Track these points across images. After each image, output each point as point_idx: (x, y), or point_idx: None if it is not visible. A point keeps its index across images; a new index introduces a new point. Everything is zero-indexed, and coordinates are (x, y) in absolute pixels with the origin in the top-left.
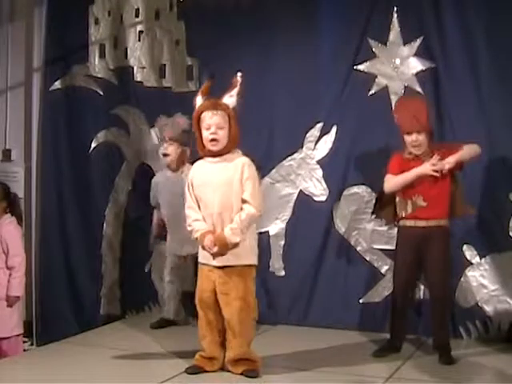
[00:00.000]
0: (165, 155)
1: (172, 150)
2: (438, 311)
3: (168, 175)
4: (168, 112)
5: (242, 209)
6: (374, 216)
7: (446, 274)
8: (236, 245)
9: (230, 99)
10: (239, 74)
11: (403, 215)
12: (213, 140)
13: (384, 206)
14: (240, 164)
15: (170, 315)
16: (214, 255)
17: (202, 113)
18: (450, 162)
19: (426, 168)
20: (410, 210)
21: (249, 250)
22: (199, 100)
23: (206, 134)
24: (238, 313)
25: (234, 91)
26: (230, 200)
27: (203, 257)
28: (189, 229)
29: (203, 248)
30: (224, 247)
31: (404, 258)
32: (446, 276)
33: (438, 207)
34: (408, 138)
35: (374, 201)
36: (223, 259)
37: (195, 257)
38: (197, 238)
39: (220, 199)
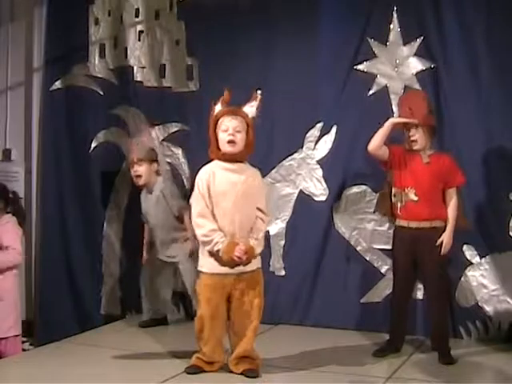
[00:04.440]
0: (137, 177)
1: (143, 170)
2: (434, 312)
3: (147, 195)
4: (168, 112)
5: (257, 217)
6: (375, 212)
7: (441, 275)
8: (258, 255)
9: (250, 109)
10: (259, 91)
11: (398, 206)
12: (230, 141)
13: (384, 200)
14: (256, 174)
15: (166, 313)
16: (240, 265)
17: (219, 118)
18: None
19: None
20: (403, 201)
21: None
22: (218, 108)
23: (223, 136)
24: (256, 309)
25: (255, 103)
26: (250, 209)
27: (214, 267)
28: (204, 239)
29: (229, 259)
30: (252, 257)
31: (400, 259)
32: (442, 277)
33: (429, 206)
34: (406, 133)
35: (374, 200)
36: (243, 266)
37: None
38: (217, 250)
39: (244, 209)
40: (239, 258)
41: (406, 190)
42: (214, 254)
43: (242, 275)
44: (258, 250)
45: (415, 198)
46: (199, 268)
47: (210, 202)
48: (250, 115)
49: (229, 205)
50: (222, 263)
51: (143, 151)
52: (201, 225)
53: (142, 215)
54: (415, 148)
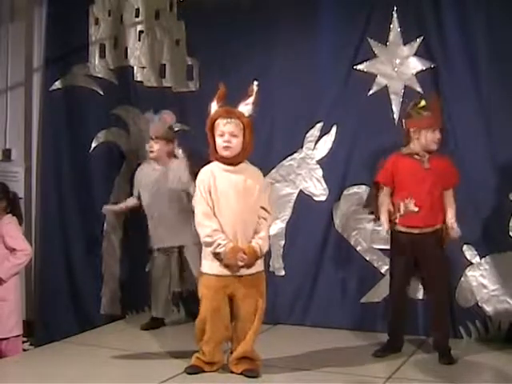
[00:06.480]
0: (150, 152)
1: (157, 147)
2: (435, 313)
3: (155, 167)
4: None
5: (261, 217)
6: (365, 208)
7: (442, 275)
8: (265, 253)
9: (246, 107)
10: (256, 82)
11: (396, 218)
12: (226, 147)
13: (372, 200)
14: (257, 174)
15: (159, 314)
16: (243, 268)
17: (216, 120)
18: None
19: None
20: (402, 212)
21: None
22: (214, 106)
23: (220, 141)
24: (258, 312)
25: (250, 100)
26: (252, 209)
27: (216, 268)
28: (207, 240)
29: (230, 264)
30: (255, 260)
31: (399, 262)
32: (443, 277)
33: (431, 214)
34: (432, 135)
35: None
36: (247, 268)
37: (178, 251)
38: (219, 253)
39: (244, 208)
40: (240, 261)
41: (406, 201)
42: (215, 255)
43: (244, 277)
44: (264, 249)
45: (416, 209)
46: (201, 269)
47: (211, 202)
48: (247, 114)
49: (230, 204)
50: (224, 265)
51: (162, 129)
52: (204, 225)
53: (134, 190)
54: (432, 148)
